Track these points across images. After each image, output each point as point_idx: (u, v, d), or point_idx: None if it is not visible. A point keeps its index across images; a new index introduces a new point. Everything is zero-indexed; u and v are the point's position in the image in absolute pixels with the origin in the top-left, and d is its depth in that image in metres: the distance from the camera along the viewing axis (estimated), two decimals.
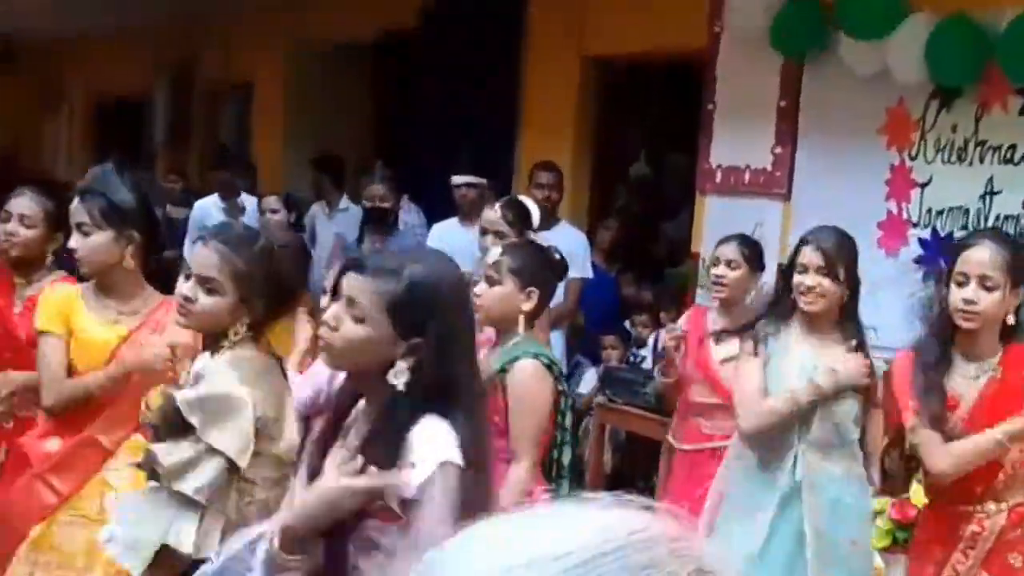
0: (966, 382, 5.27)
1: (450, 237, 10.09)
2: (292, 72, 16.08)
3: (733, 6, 9.50)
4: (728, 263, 7.17)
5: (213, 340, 4.56)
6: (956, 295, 5.17)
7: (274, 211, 10.50)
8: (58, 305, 5.71)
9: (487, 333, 5.73)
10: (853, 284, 6.01)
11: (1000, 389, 5.23)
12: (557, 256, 6.63)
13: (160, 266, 5.92)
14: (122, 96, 20.46)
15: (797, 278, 5.91)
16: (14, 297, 6.45)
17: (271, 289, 4.58)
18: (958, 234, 8.15)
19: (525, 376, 5.40)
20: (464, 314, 3.72)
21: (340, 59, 15.46)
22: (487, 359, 5.44)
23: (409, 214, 11.40)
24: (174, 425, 4.38)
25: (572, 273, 8.34)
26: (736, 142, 9.80)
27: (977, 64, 8.02)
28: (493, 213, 7.64)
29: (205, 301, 4.45)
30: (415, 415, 3.52)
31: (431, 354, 3.51)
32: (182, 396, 4.36)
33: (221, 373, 4.42)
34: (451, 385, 3.57)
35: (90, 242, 5.52)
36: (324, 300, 4.47)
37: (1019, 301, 5.26)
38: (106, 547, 4.64)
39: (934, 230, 8.48)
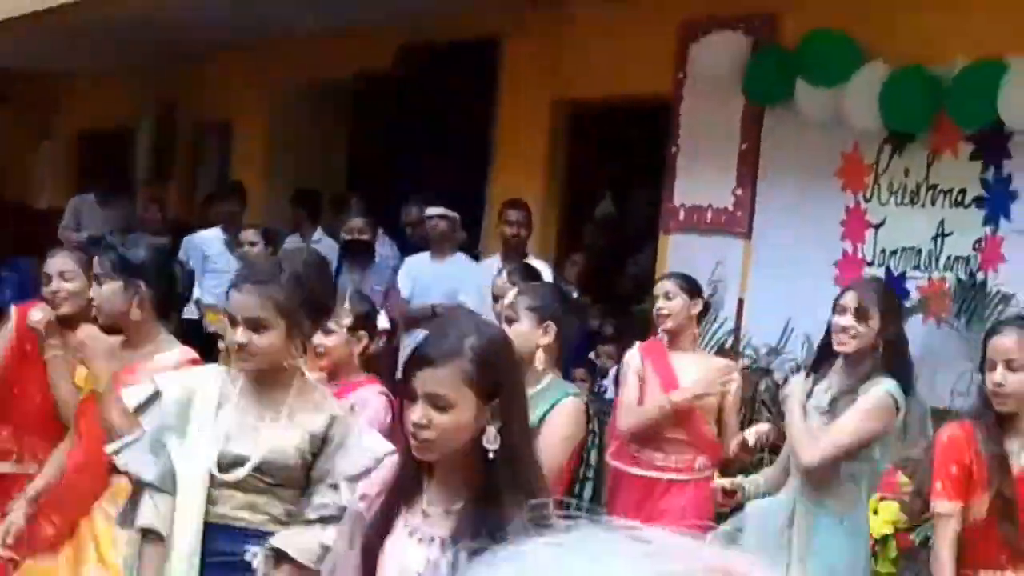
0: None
1: (421, 270, 10.35)
2: (271, 111, 16.04)
3: (698, 54, 9.69)
4: (665, 295, 7.24)
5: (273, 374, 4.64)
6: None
7: (252, 244, 10.60)
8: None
9: None
10: (890, 333, 6.02)
11: None
12: (573, 294, 6.90)
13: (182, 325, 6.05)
14: (107, 131, 20.40)
15: (836, 320, 6.00)
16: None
17: (310, 308, 4.70)
18: (911, 273, 8.41)
19: (566, 413, 5.35)
20: (516, 362, 3.76)
21: (318, 99, 15.48)
22: None
23: (383, 247, 11.48)
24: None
25: None
26: (699, 183, 9.94)
27: (929, 112, 8.18)
28: (500, 280, 7.73)
29: (260, 341, 4.54)
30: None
31: (511, 409, 3.57)
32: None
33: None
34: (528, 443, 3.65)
35: (102, 291, 5.67)
36: None
37: None
38: None
39: (888, 269, 8.63)
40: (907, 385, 6.00)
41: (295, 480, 4.55)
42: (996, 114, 7.71)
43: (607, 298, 10.96)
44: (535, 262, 8.09)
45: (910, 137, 8.52)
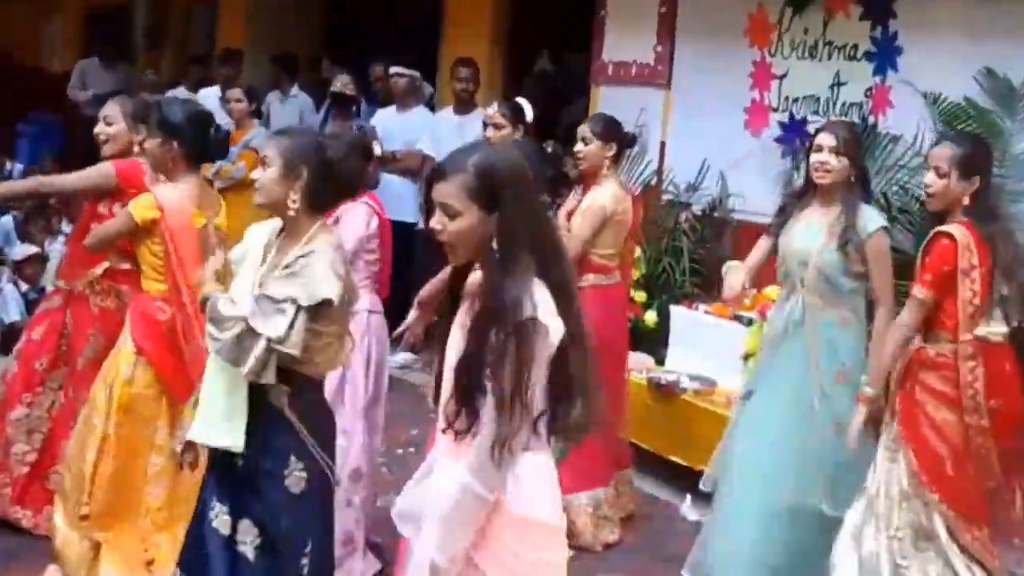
0: None
1: (387, 121, 10.31)
2: None
3: None
4: (583, 139, 6.98)
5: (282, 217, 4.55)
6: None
7: (238, 100, 10.46)
8: None
9: None
10: (859, 165, 6.01)
11: None
12: (550, 149, 7.00)
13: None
14: (105, 6, 20.19)
15: (814, 157, 5.93)
16: None
17: (330, 176, 4.55)
18: (811, 118, 8.38)
19: None
20: (527, 182, 3.67)
21: None
22: None
23: None
24: None
25: None
26: (624, 41, 9.87)
27: None
28: (492, 109, 7.68)
29: (262, 176, 4.46)
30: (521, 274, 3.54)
31: (514, 218, 3.55)
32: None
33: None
34: (537, 241, 3.61)
35: (148, 145, 5.78)
36: None
37: None
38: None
39: (791, 115, 8.64)
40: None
41: None
42: None
43: (545, 142, 10.87)
44: (521, 101, 7.91)
45: (808, 0, 8.46)
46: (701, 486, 6.46)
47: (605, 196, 6.88)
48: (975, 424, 5.32)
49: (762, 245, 6.25)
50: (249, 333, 4.22)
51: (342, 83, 10.54)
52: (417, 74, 10.54)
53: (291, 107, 11.64)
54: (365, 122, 10.47)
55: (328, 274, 4.31)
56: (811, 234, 5.92)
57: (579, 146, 6.98)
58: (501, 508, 3.61)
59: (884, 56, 8.05)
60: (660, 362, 8.33)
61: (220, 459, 4.49)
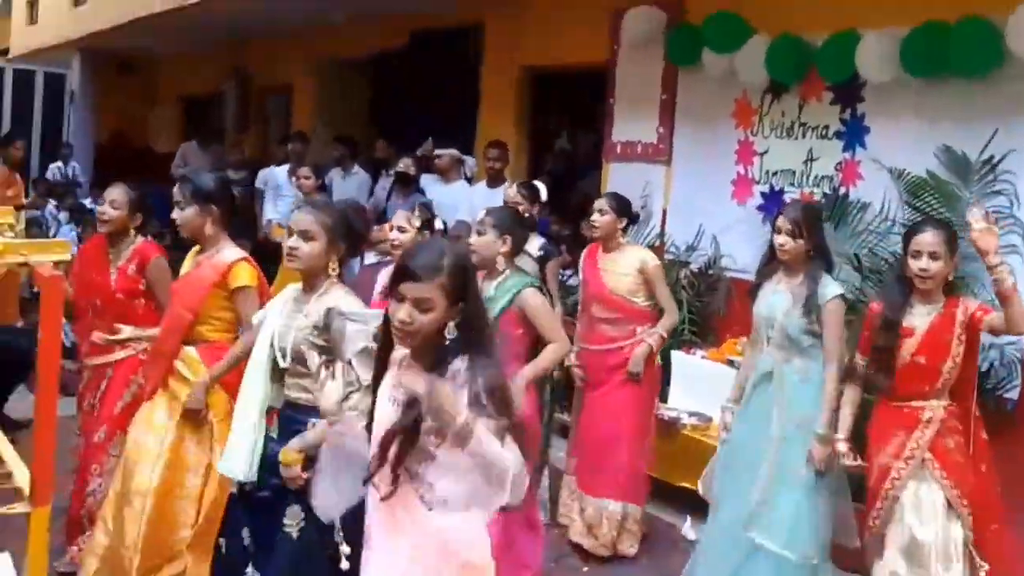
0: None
1: (434, 192, 9.97)
2: (319, 77, 15.79)
3: (627, 28, 9.21)
4: (599, 211, 6.77)
5: (312, 279, 4.39)
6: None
7: (307, 177, 10.08)
8: (190, 258, 5.55)
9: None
10: (815, 242, 5.62)
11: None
12: (526, 215, 6.88)
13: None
14: (202, 95, 20.19)
15: (775, 238, 5.64)
16: (110, 267, 5.98)
17: (349, 237, 4.44)
18: (788, 189, 8.05)
19: (535, 297, 5.53)
20: (474, 272, 3.53)
21: (354, 67, 15.19)
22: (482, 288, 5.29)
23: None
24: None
25: None
26: (630, 124, 9.53)
27: (800, 69, 7.78)
28: (512, 190, 7.57)
29: (305, 248, 4.31)
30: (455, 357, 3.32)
31: (472, 310, 3.38)
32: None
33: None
34: (484, 329, 3.43)
35: (183, 215, 5.33)
36: None
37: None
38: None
39: (771, 186, 8.24)
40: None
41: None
42: (853, 69, 7.24)
43: (564, 211, 10.57)
44: (537, 183, 7.79)
45: (785, 88, 8.08)
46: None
47: (648, 255, 6.88)
48: None
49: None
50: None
51: (405, 164, 10.17)
52: (457, 152, 10.18)
53: (351, 182, 11.23)
54: (424, 196, 10.11)
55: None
56: (777, 299, 5.64)
57: (596, 216, 6.78)
58: (444, 545, 3.39)
59: (852, 135, 7.60)
60: (664, 400, 7.86)
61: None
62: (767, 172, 8.26)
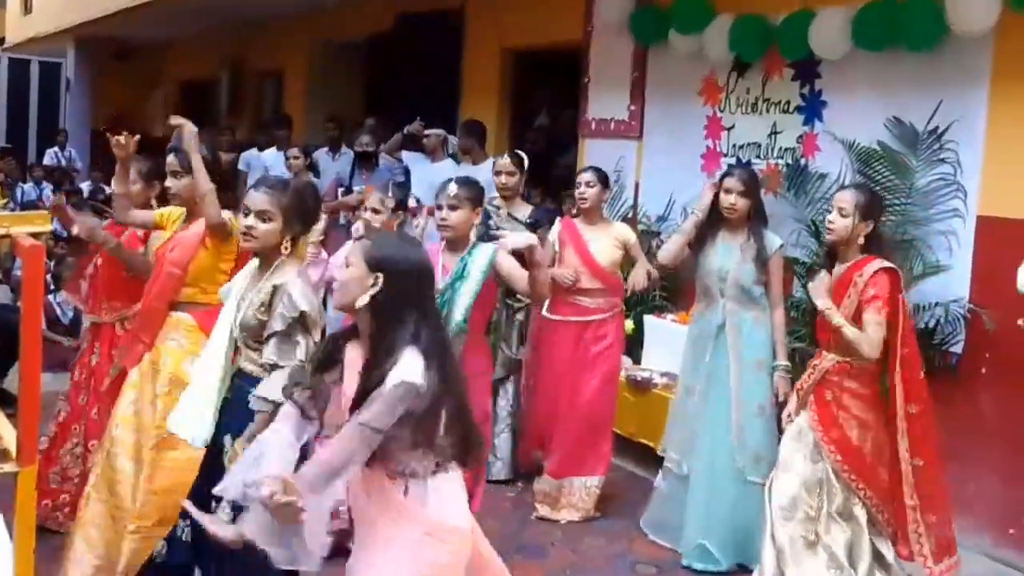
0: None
1: (422, 170, 10.12)
2: (309, 63, 15.97)
3: (599, 11, 9.48)
4: (586, 183, 6.99)
5: (267, 256, 4.42)
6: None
7: (296, 157, 10.38)
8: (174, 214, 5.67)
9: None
10: (757, 201, 6.19)
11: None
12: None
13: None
14: (197, 80, 20.29)
15: (723, 197, 6.12)
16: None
17: (303, 216, 4.50)
18: (754, 161, 8.23)
19: (506, 259, 5.34)
20: (412, 271, 3.61)
21: (343, 51, 15.37)
22: (451, 259, 5.45)
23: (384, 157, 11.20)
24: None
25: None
26: (604, 102, 9.73)
27: (762, 47, 7.99)
28: (504, 160, 7.78)
29: (262, 227, 4.34)
30: (394, 342, 3.46)
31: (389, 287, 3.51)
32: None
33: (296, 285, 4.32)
34: (409, 310, 3.51)
35: (179, 183, 5.48)
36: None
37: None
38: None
39: (738, 158, 8.43)
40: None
41: (261, 338, 4.34)
42: (809, 48, 7.48)
43: (544, 184, 10.80)
44: (521, 153, 7.99)
45: (748, 65, 8.31)
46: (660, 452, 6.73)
47: (628, 230, 7.23)
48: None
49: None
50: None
51: (364, 143, 10.42)
52: (444, 132, 10.33)
53: (340, 162, 11.44)
54: (399, 172, 10.36)
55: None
56: (727, 254, 6.13)
57: (583, 188, 7.01)
58: (419, 516, 3.54)
59: (811, 110, 7.84)
60: (637, 362, 8.21)
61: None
62: (734, 145, 8.47)
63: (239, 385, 4.42)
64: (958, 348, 6.69)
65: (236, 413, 4.34)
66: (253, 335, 4.36)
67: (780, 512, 5.46)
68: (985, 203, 6.65)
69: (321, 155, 11.49)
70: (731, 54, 8.23)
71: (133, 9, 15.38)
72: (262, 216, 4.35)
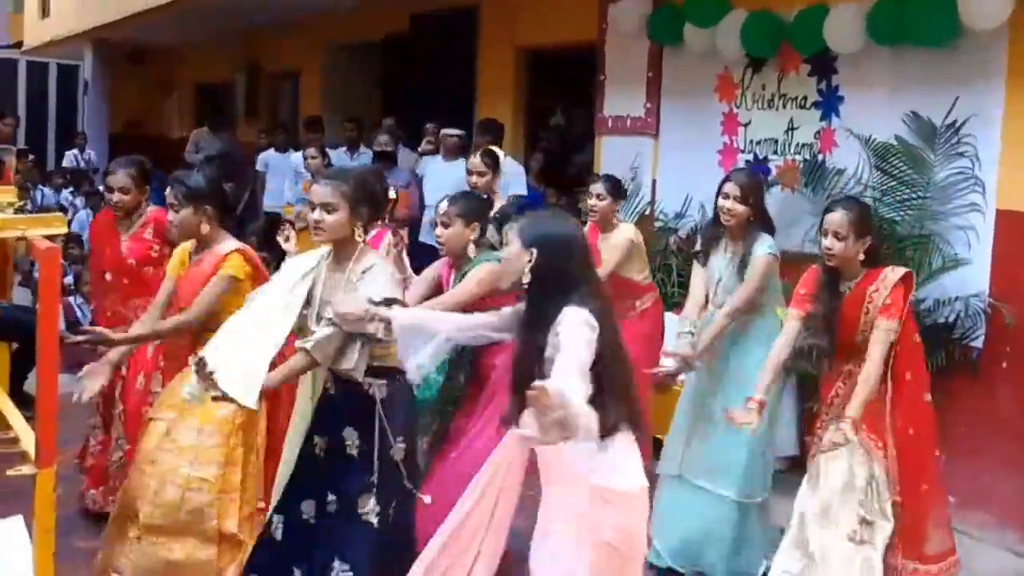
0: None
1: (435, 169, 10.14)
2: (325, 64, 15.98)
3: (615, 11, 9.42)
4: (597, 195, 7.01)
5: (343, 246, 4.49)
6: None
7: (314, 157, 10.35)
8: (179, 255, 5.51)
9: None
10: (757, 208, 5.88)
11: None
12: (486, 197, 6.78)
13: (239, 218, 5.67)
14: (213, 83, 20.31)
15: (720, 202, 5.87)
16: (119, 237, 6.20)
17: (369, 201, 4.56)
18: (771, 157, 8.23)
19: (480, 268, 5.19)
20: (562, 243, 3.79)
21: (358, 52, 15.36)
22: (451, 279, 5.44)
23: (405, 155, 11.30)
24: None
25: (514, 190, 8.40)
26: (620, 100, 9.71)
27: (776, 43, 7.97)
28: (475, 159, 7.52)
29: (329, 219, 4.40)
30: (556, 305, 3.63)
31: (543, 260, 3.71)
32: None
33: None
34: (567, 278, 3.69)
35: (179, 217, 5.29)
36: None
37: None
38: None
39: (755, 155, 8.41)
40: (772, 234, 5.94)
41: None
42: (824, 43, 7.44)
43: (559, 183, 10.81)
44: (510, 162, 8.00)
45: (764, 62, 8.28)
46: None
47: (633, 230, 7.21)
48: None
49: (697, 276, 6.14)
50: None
51: (383, 142, 10.38)
52: (464, 133, 10.27)
53: (358, 162, 11.43)
54: (408, 179, 10.35)
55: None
56: (724, 263, 5.95)
57: (594, 201, 7.03)
58: (587, 481, 3.61)
59: (828, 105, 7.82)
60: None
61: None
62: (751, 141, 8.44)
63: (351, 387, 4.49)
64: (978, 343, 6.66)
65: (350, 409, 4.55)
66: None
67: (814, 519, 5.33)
68: (1004, 197, 6.62)
69: (339, 155, 11.48)
70: (744, 51, 8.19)
71: (150, 12, 15.42)
72: (327, 208, 4.41)
